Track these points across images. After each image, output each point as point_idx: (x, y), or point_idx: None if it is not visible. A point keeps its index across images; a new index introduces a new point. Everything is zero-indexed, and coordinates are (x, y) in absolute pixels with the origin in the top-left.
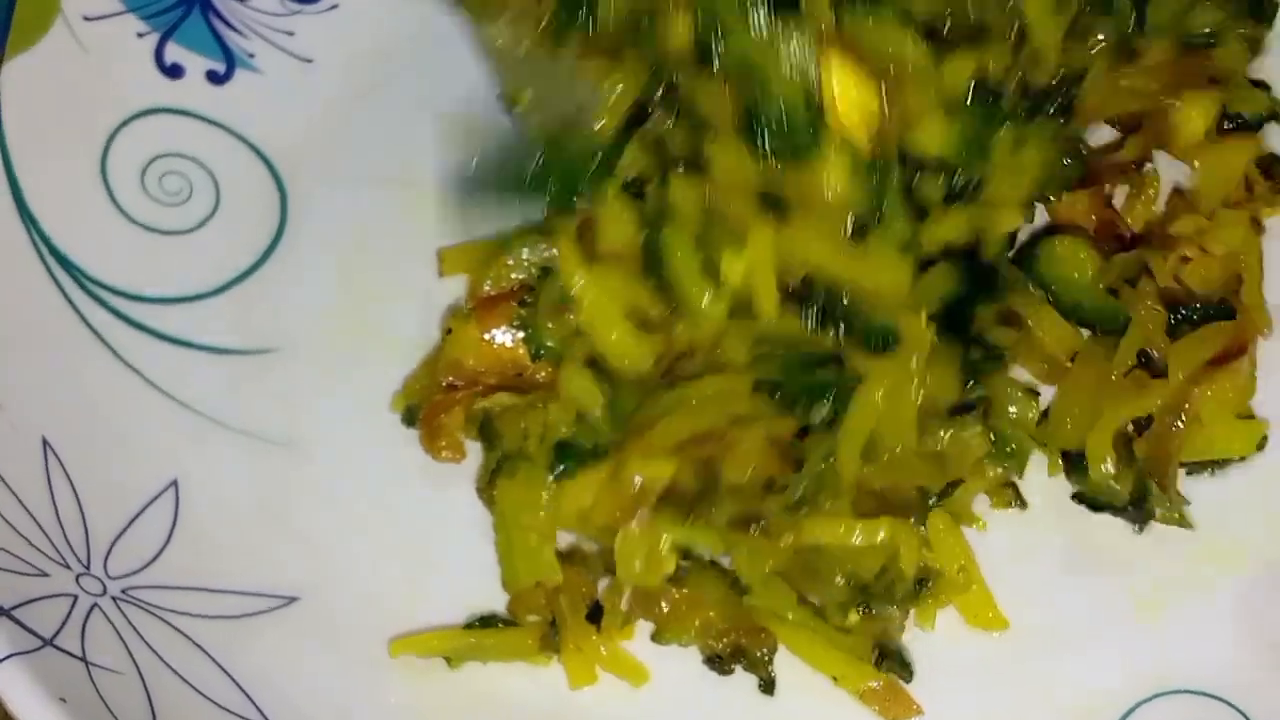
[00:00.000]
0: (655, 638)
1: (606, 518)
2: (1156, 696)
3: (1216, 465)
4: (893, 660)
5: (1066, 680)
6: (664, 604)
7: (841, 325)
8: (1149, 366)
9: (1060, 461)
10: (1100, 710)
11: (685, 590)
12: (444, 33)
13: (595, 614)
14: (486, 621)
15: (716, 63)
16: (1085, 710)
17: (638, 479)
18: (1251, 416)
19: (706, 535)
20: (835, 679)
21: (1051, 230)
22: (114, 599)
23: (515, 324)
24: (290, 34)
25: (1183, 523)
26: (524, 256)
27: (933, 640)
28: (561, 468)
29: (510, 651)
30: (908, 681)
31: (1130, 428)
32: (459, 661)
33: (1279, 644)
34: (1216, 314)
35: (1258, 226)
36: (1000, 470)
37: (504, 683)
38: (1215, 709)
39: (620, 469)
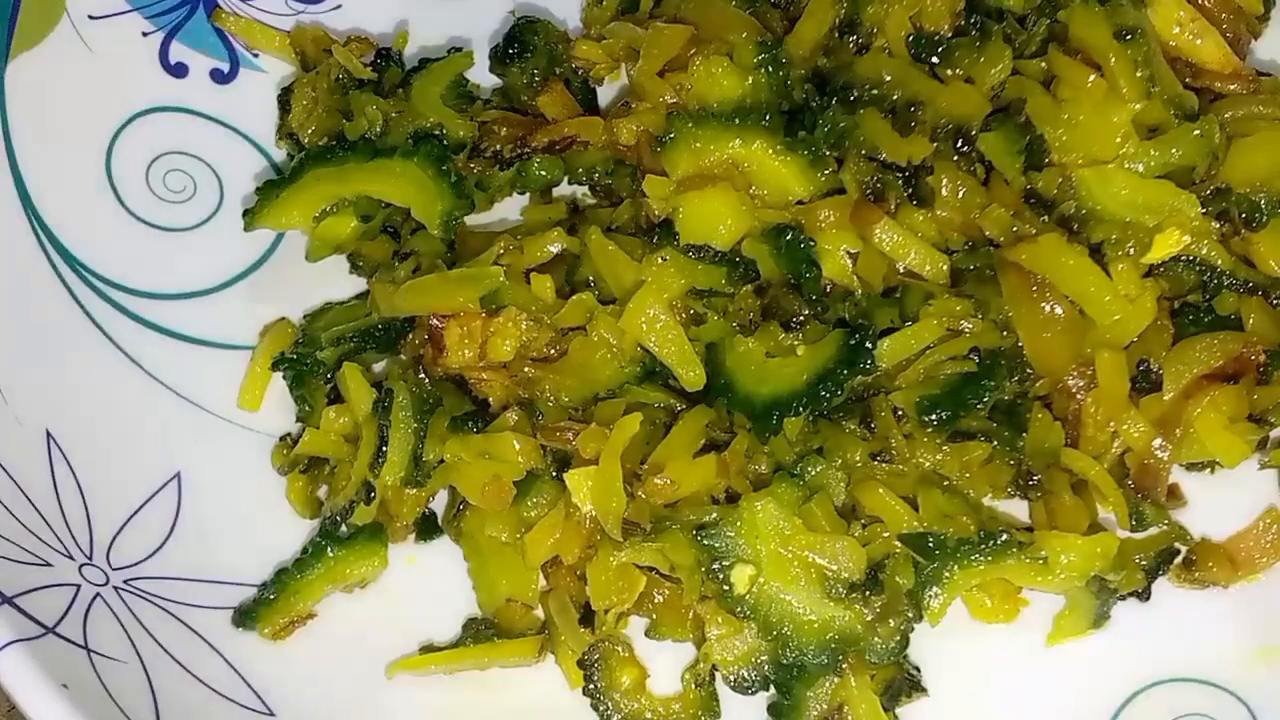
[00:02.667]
0: (649, 633)
1: (574, 557)
2: (1156, 684)
3: (1217, 463)
4: (905, 689)
5: (1067, 667)
6: (658, 598)
7: None
8: (1146, 377)
9: None
10: (1101, 696)
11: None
12: (446, 30)
13: (588, 617)
14: (480, 629)
15: None
16: (1086, 695)
17: (587, 508)
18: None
19: (657, 556)
20: None
21: None
22: (116, 589)
23: None
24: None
25: (1180, 538)
26: None
27: (935, 629)
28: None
29: (507, 660)
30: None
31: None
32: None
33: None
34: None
35: None
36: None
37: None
38: (1214, 696)
39: (569, 505)
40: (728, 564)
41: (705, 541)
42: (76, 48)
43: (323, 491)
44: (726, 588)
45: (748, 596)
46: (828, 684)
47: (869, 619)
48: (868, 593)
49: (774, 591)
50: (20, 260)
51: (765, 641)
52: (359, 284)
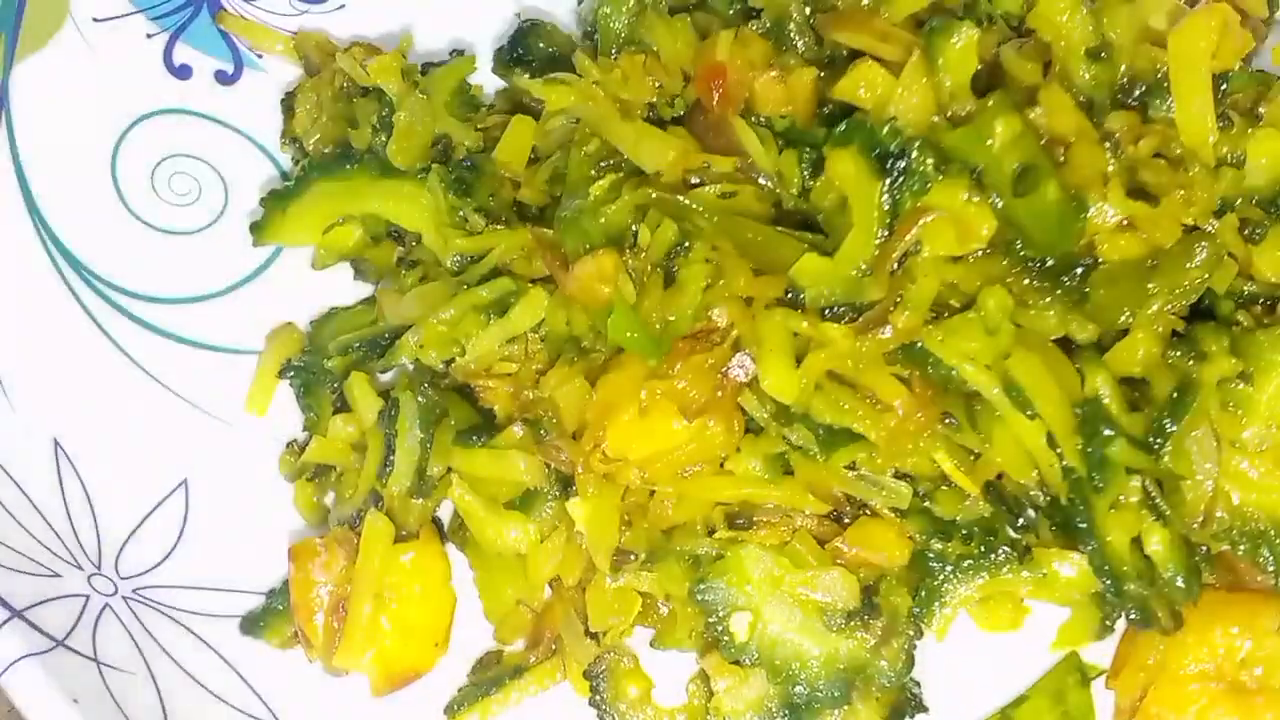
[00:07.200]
0: (654, 644)
1: (575, 579)
2: None
3: None
4: (909, 709)
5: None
6: (662, 609)
7: None
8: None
9: None
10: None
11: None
12: (450, 31)
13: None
14: (492, 663)
15: None
16: None
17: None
18: None
19: (653, 584)
20: None
21: None
22: (125, 599)
23: None
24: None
25: None
26: None
27: (934, 644)
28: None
29: (537, 686)
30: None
31: None
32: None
33: None
34: None
35: None
36: None
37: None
38: None
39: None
40: (724, 614)
41: (700, 598)
42: (81, 50)
43: (329, 498)
44: (727, 639)
45: (750, 643)
46: (835, 715)
47: (872, 644)
48: (866, 618)
49: (775, 634)
50: (26, 265)
51: (774, 685)
52: (364, 285)
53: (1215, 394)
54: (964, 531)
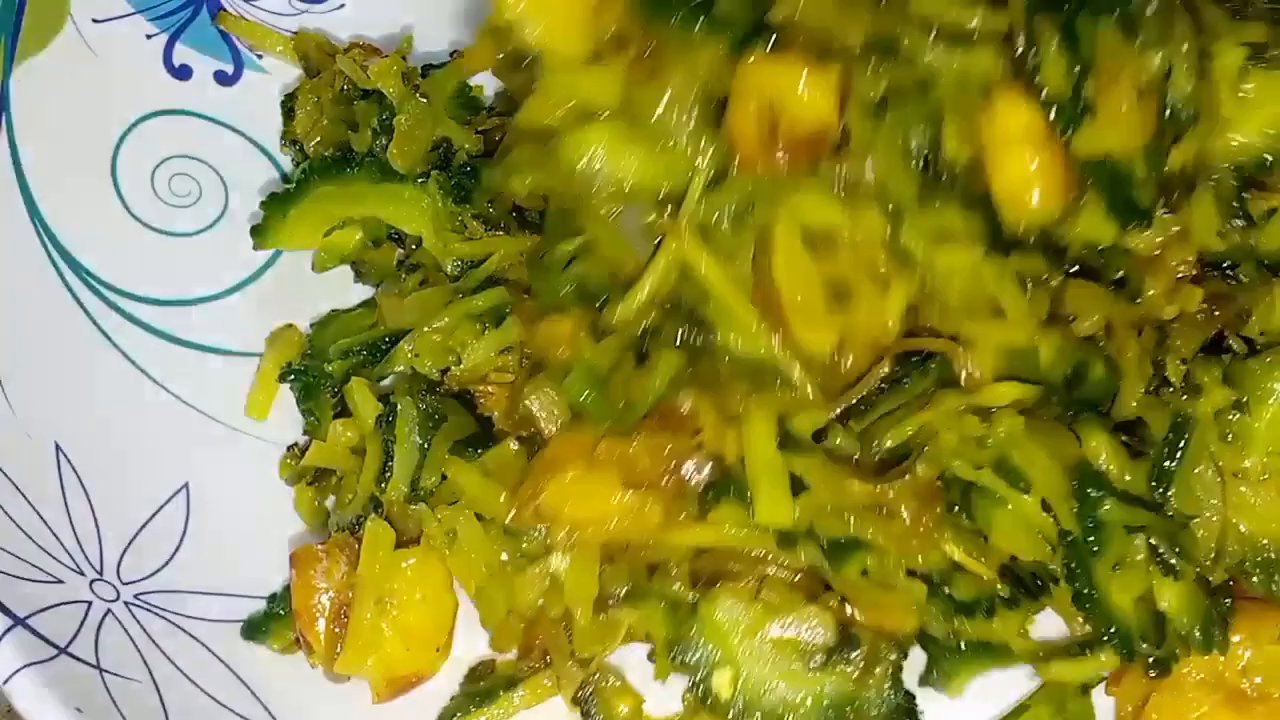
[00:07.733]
0: (652, 657)
1: (559, 610)
2: None
3: None
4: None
5: None
6: None
7: None
8: None
9: None
10: None
11: None
12: (451, 32)
13: None
14: (486, 684)
15: None
16: None
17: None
18: None
19: (637, 622)
20: None
21: None
22: (127, 604)
23: None
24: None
25: None
26: None
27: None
28: None
29: (531, 698)
30: None
31: None
32: None
33: None
34: None
35: None
36: None
37: None
38: None
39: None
40: (706, 674)
41: (679, 661)
42: (81, 51)
43: (330, 502)
44: (712, 698)
45: (736, 698)
46: None
47: (856, 675)
48: (846, 651)
49: (759, 683)
50: (26, 267)
51: None
52: (365, 287)
53: (1213, 426)
54: (985, 608)
